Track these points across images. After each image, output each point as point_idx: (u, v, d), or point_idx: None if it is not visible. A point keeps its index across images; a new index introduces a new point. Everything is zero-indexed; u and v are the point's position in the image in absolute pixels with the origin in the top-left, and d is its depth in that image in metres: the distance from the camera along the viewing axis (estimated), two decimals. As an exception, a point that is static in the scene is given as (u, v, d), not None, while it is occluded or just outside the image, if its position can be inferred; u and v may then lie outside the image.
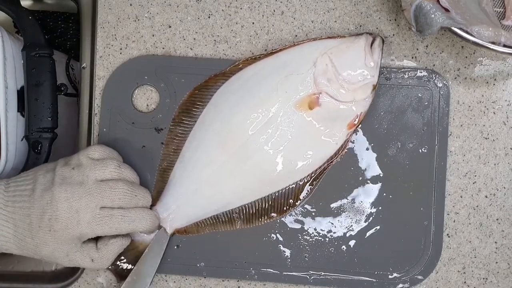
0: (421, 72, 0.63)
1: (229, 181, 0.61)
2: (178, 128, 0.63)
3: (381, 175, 0.62)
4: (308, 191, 0.62)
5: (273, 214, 0.62)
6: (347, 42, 0.59)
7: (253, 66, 0.61)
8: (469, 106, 0.63)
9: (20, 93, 0.62)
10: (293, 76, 0.59)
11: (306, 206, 0.62)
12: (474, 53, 0.63)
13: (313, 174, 0.61)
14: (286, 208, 0.62)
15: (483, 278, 0.63)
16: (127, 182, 0.57)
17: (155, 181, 0.63)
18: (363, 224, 0.62)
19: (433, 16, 0.54)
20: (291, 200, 0.62)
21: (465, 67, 0.63)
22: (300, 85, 0.59)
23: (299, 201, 0.62)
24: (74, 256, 0.56)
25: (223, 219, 0.62)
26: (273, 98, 0.60)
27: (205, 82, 0.63)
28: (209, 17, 0.65)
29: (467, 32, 0.55)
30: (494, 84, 0.63)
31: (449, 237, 0.63)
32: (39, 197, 0.54)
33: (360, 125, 0.61)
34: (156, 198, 0.62)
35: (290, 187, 0.62)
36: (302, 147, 0.60)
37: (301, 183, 0.62)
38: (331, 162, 0.61)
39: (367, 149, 0.63)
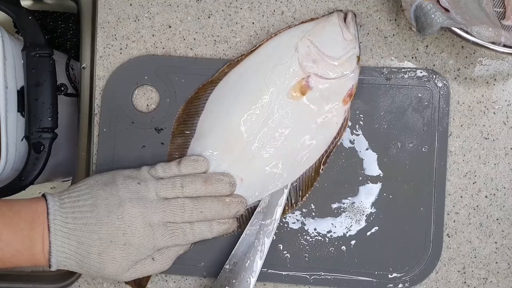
0: (421, 72, 0.63)
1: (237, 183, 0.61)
2: (179, 139, 0.63)
3: (381, 175, 0.62)
4: (316, 179, 0.62)
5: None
6: (321, 22, 0.60)
7: (238, 68, 0.62)
8: (469, 106, 0.63)
9: (20, 93, 0.62)
10: (278, 66, 0.60)
11: (306, 206, 0.62)
12: (474, 53, 0.63)
13: (320, 160, 0.61)
14: (295, 200, 0.62)
15: (483, 278, 0.63)
16: (193, 199, 0.57)
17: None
18: (363, 224, 0.62)
19: (433, 16, 0.54)
20: (300, 192, 0.62)
21: (465, 67, 0.63)
22: (287, 74, 0.59)
23: (307, 193, 0.62)
24: (136, 267, 0.56)
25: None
26: (265, 94, 0.60)
27: (195, 94, 0.63)
28: (209, 17, 0.65)
29: (467, 32, 0.55)
30: (494, 84, 0.63)
31: (449, 237, 0.63)
32: (106, 212, 0.54)
33: (354, 97, 0.60)
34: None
35: (299, 179, 0.62)
36: (304, 135, 0.60)
37: (309, 171, 0.62)
38: (336, 143, 0.61)
39: (367, 149, 0.63)
